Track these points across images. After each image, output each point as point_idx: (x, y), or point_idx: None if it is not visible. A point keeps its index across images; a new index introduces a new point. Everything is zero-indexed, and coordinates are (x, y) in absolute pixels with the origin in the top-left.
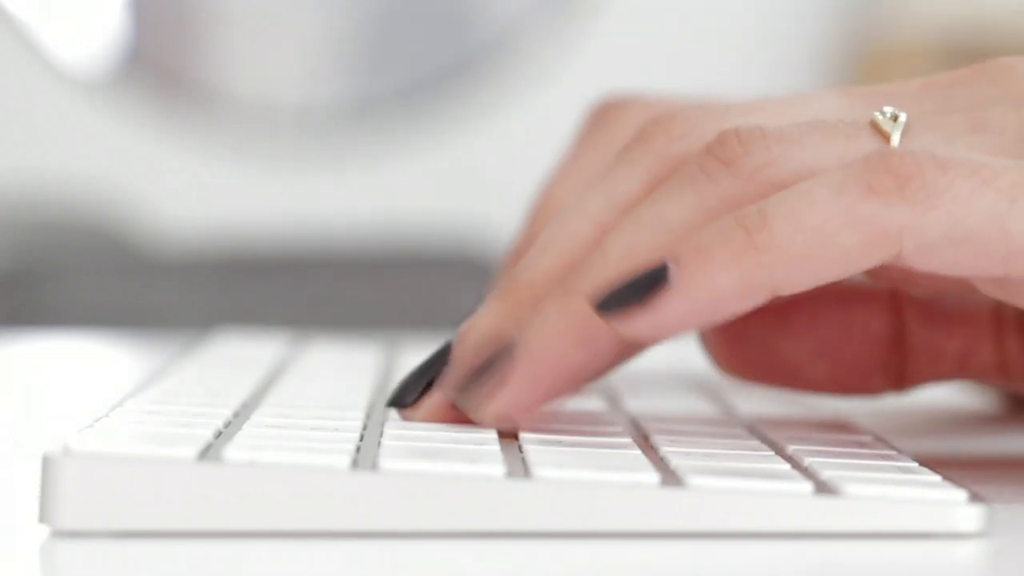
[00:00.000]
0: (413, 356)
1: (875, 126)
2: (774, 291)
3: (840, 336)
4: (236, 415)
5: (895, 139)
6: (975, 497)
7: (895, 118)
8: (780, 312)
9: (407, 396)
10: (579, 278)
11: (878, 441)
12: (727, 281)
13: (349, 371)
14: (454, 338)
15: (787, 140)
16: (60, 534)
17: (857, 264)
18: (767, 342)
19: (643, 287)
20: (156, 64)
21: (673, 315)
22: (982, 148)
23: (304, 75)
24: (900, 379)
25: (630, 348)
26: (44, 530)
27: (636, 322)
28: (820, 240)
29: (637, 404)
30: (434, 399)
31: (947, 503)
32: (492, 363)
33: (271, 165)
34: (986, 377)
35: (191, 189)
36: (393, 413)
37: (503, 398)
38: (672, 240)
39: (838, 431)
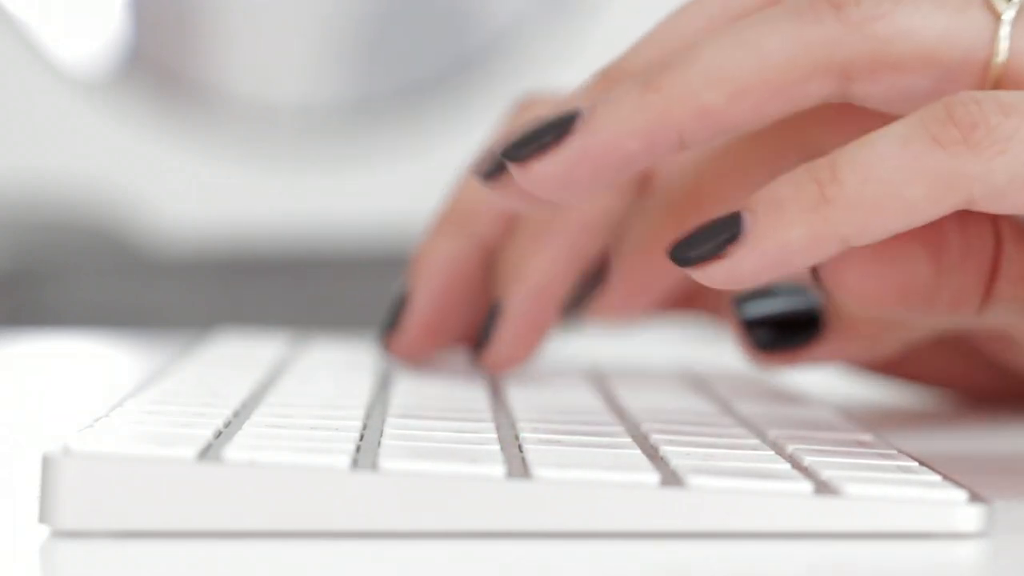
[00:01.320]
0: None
1: (988, 2)
2: (844, 243)
3: (935, 236)
4: (236, 415)
5: (1007, 20)
6: (975, 497)
7: None
8: (907, 234)
9: (521, 151)
10: (662, 72)
11: (878, 441)
12: (798, 235)
13: (349, 371)
14: (582, 108)
15: None
16: (60, 534)
17: (927, 214)
18: (906, 262)
19: (718, 237)
20: (156, 64)
21: (747, 266)
22: None
23: (304, 75)
24: (987, 297)
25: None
26: (44, 530)
27: (710, 272)
28: (889, 192)
29: (637, 403)
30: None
31: (947, 503)
32: (552, 125)
33: (271, 165)
34: None
35: (191, 189)
36: (393, 413)
37: (547, 165)
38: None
39: (838, 431)
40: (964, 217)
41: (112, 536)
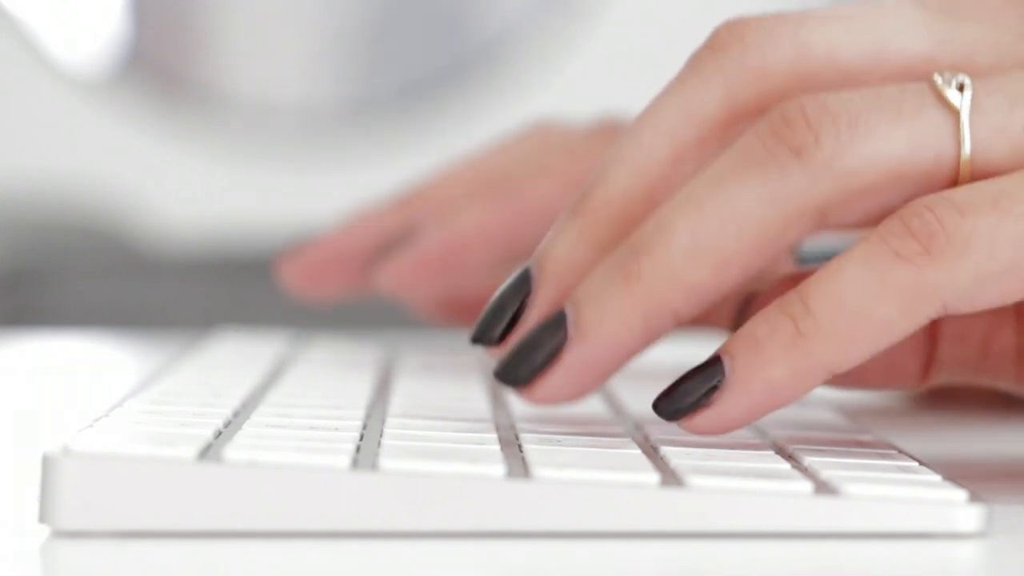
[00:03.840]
0: (413, 356)
1: (940, 96)
2: (828, 372)
3: None
4: (236, 415)
5: (964, 114)
6: (975, 497)
7: (961, 87)
8: None
9: (493, 331)
10: (639, 259)
11: (878, 441)
12: (781, 373)
13: (349, 371)
14: (532, 263)
15: (855, 124)
16: (60, 534)
17: (903, 330)
18: None
19: (702, 387)
20: (156, 64)
21: (735, 412)
22: None
23: (304, 75)
24: (929, 364)
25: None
26: (44, 530)
27: (699, 421)
28: (862, 316)
29: (637, 404)
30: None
31: (947, 503)
32: (542, 338)
33: (271, 165)
34: (1004, 368)
35: (191, 189)
36: (393, 413)
37: (554, 380)
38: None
39: (838, 431)
40: None
41: (112, 536)
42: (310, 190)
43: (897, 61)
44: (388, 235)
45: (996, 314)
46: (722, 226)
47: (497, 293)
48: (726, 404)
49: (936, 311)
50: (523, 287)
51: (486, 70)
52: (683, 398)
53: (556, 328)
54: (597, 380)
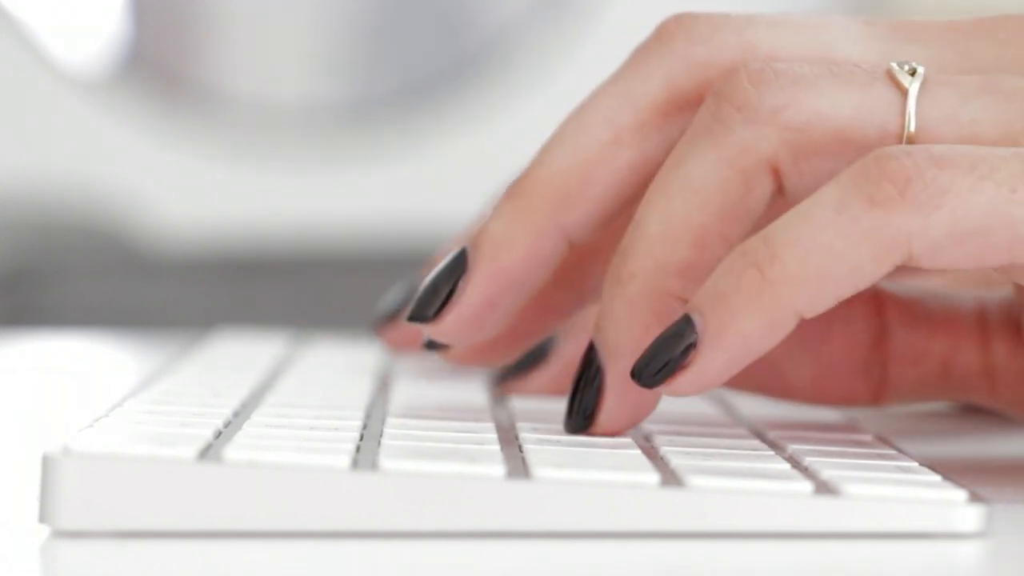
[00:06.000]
0: (413, 357)
1: (891, 77)
2: (799, 316)
3: (819, 333)
4: (236, 415)
5: (912, 92)
6: (975, 497)
7: (913, 72)
8: None
9: (427, 310)
10: (625, 263)
11: (878, 441)
12: (753, 323)
13: (349, 371)
14: (468, 243)
15: (801, 82)
16: (60, 534)
17: (872, 275)
18: None
19: (675, 348)
20: (156, 64)
21: (713, 369)
22: (995, 111)
23: (304, 75)
24: (882, 384)
25: None
26: (44, 530)
27: (679, 384)
28: (832, 260)
29: None
30: (545, 377)
31: (947, 503)
32: (584, 378)
33: (271, 165)
34: (971, 386)
35: (191, 189)
36: (393, 413)
37: (608, 403)
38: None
39: (838, 431)
40: (850, 309)
41: (112, 536)
42: (310, 190)
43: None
44: None
45: (955, 333)
46: (686, 200)
47: (433, 272)
48: (703, 362)
49: (902, 258)
50: (459, 266)
51: (486, 70)
52: (660, 362)
53: (591, 356)
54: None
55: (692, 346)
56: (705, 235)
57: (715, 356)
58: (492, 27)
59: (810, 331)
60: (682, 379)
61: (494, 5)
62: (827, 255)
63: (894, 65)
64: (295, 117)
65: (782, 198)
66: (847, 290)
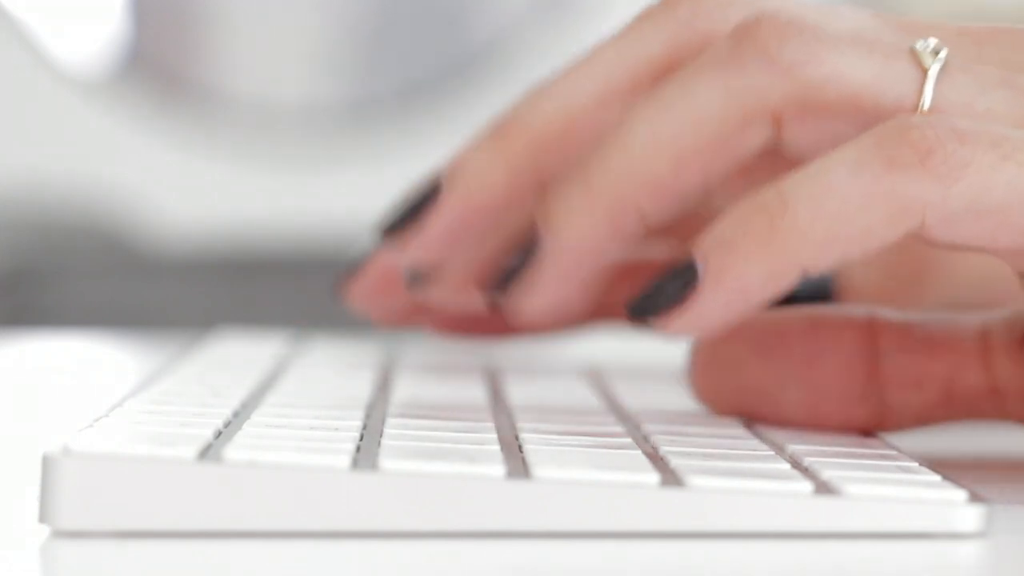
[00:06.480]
0: (414, 355)
1: (914, 55)
2: (803, 272)
3: (807, 359)
4: (236, 415)
5: (933, 73)
6: (975, 497)
7: (936, 52)
8: (750, 335)
9: (396, 223)
10: (599, 159)
11: (878, 441)
12: (756, 270)
13: (349, 371)
14: (444, 173)
15: (825, 41)
16: (60, 534)
17: (881, 239)
18: (739, 365)
19: (675, 287)
20: (156, 64)
21: (709, 310)
22: (1011, 105)
23: (304, 75)
24: (883, 410)
25: (655, 233)
26: (44, 530)
27: (674, 323)
28: (843, 219)
29: (637, 403)
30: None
31: (947, 503)
32: (524, 259)
33: (271, 165)
34: (978, 407)
35: (191, 189)
36: (393, 413)
37: (542, 296)
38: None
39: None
40: (839, 335)
41: (112, 536)
42: (310, 190)
43: None
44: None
45: (956, 354)
46: (680, 119)
47: (406, 194)
48: (700, 303)
49: (915, 225)
50: (431, 193)
51: (486, 70)
52: (656, 298)
53: (535, 242)
54: (568, 284)
55: (691, 286)
56: (687, 158)
57: (712, 297)
58: (492, 27)
59: (797, 356)
60: (677, 318)
61: (494, 5)
62: (840, 212)
63: (919, 45)
64: (295, 117)
65: (772, 155)
66: (855, 251)
